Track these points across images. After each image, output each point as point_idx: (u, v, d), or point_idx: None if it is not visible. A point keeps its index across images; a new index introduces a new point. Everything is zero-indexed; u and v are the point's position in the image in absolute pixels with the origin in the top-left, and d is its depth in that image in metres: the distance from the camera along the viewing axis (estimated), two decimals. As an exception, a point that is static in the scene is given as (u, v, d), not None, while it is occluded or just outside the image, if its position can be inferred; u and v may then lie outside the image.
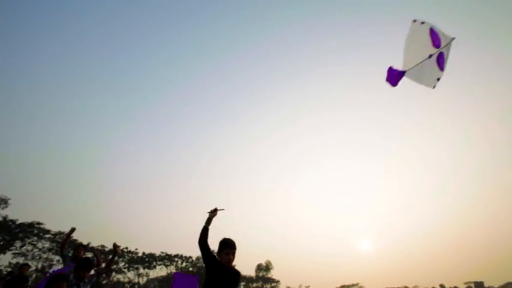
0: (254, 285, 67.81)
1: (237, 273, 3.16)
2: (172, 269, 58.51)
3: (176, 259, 59.93)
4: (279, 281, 69.30)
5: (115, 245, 5.31)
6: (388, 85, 2.62)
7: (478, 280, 75.81)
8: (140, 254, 57.31)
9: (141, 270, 57.34)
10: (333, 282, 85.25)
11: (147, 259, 57.23)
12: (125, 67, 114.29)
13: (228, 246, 3.12)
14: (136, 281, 57.67)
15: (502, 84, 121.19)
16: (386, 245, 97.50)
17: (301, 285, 73.78)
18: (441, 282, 71.61)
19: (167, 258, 59.20)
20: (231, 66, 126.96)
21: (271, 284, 68.69)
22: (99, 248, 52.26)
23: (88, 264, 4.06)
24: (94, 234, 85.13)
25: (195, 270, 57.90)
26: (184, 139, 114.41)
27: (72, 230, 5.75)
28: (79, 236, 34.08)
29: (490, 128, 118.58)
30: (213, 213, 3.35)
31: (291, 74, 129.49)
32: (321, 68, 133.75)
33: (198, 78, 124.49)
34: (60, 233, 45.34)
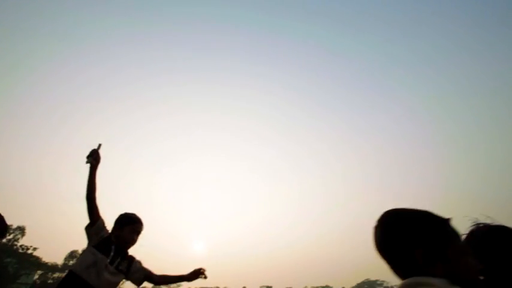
0: (56, 274, 50.17)
1: None
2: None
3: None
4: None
5: None
6: None
7: (269, 285, 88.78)
8: None
9: None
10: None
11: None
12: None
13: None
14: None
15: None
16: (220, 251, 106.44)
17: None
18: (244, 285, 78.88)
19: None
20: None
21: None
22: None
23: None
24: None
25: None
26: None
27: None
28: None
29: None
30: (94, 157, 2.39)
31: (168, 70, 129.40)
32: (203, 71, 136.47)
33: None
34: None
